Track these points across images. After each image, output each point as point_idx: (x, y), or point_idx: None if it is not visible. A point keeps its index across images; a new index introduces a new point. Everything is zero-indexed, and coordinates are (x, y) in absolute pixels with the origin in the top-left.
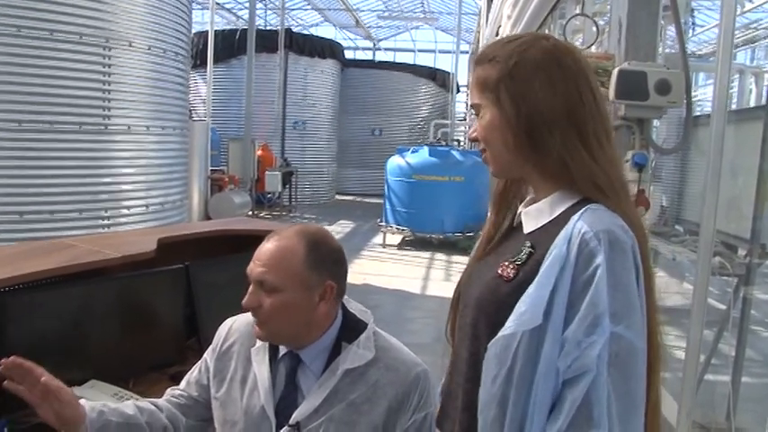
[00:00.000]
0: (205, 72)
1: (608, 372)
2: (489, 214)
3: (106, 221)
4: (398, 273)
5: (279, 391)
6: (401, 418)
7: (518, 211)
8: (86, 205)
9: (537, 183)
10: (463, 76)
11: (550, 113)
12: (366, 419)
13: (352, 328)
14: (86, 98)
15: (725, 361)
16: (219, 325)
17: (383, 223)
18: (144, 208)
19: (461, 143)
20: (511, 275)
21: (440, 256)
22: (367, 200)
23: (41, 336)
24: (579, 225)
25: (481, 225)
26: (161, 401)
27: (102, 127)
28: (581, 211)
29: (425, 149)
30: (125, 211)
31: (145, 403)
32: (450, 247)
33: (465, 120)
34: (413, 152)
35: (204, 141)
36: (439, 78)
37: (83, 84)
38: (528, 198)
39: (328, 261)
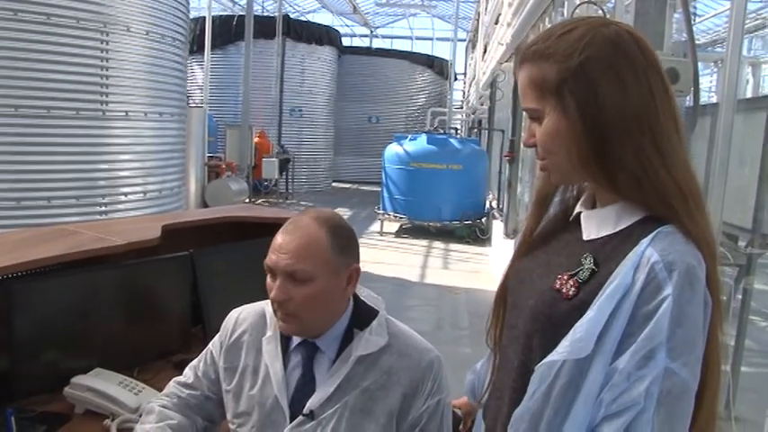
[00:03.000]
0: (202, 58)
1: (656, 409)
2: (530, 209)
3: (103, 208)
4: (396, 261)
5: (292, 381)
6: (415, 403)
7: (576, 210)
8: (84, 191)
9: (600, 190)
10: (460, 63)
11: (621, 120)
12: (381, 406)
13: (363, 315)
14: (84, 83)
15: (724, 351)
16: (224, 313)
17: (381, 211)
18: (141, 195)
19: (458, 131)
20: (570, 294)
21: (437, 244)
22: (364, 187)
23: (46, 323)
24: (649, 252)
25: (478, 213)
26: (179, 417)
27: (100, 113)
28: (652, 234)
29: (423, 137)
30: (122, 198)
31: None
32: (447, 235)
33: (462, 108)
34: (411, 140)
35: (201, 128)
36: (436, 66)
37: (80, 69)
38: (586, 194)
39: (351, 244)
